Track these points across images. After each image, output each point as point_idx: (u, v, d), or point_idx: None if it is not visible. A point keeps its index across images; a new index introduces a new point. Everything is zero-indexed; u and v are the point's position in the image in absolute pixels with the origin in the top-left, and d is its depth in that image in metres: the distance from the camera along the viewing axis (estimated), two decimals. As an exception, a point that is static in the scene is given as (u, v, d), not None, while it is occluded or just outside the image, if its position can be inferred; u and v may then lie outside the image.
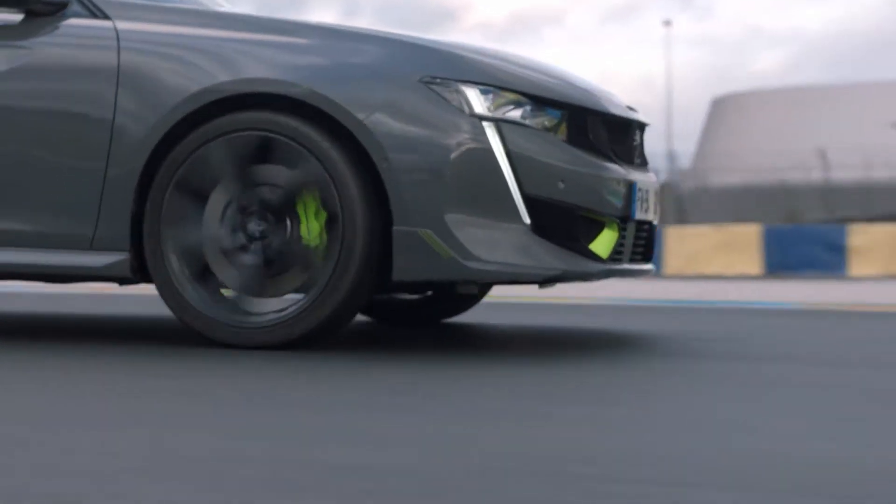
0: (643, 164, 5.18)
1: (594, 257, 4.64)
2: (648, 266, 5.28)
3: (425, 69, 4.43)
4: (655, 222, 5.30)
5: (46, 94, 4.57)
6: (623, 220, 4.77)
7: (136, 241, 4.49)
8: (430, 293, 5.89)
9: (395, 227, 4.32)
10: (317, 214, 4.39)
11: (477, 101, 4.41)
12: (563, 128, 4.61)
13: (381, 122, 4.33)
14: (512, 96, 4.50)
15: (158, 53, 4.52)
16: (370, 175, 4.34)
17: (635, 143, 5.02)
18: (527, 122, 4.50)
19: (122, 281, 4.66)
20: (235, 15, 4.76)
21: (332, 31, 4.61)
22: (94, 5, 4.63)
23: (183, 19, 4.67)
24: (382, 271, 4.39)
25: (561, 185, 4.50)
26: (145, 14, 4.66)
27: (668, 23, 77.52)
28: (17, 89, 4.59)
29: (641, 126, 5.16)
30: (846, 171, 45.02)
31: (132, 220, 4.47)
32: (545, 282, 4.63)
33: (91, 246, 4.51)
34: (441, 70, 4.44)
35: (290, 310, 4.36)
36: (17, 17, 4.67)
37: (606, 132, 4.78)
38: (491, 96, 4.46)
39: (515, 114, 4.49)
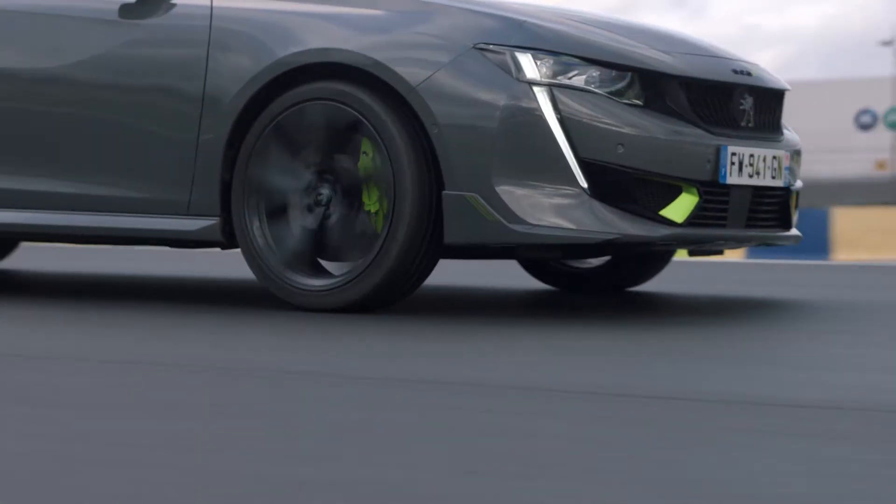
0: (762, 128, 4.99)
1: (665, 221, 4.55)
2: (784, 232, 5.12)
3: (480, 36, 4.50)
4: (795, 188, 5.14)
5: (147, 68, 4.92)
6: (709, 184, 4.65)
7: (228, 207, 4.76)
8: (608, 260, 5.83)
9: (444, 192, 4.41)
10: (376, 181, 4.54)
11: (529, 66, 4.43)
12: (631, 91, 4.55)
13: (433, 88, 4.42)
14: (569, 60, 4.50)
15: (245, 26, 4.78)
16: (424, 141, 4.45)
17: (742, 108, 4.86)
18: (584, 85, 4.48)
19: (216, 245, 4.95)
20: None
21: (392, 0, 4.74)
22: None
23: None
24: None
25: (620, 150, 4.46)
26: None
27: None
28: (120, 65, 4.96)
29: (759, 90, 4.98)
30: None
31: (223, 186, 4.75)
32: (602, 246, 4.59)
33: (188, 211, 4.83)
34: (495, 36, 4.49)
35: (344, 276, 4.53)
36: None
37: (694, 95, 4.67)
38: (546, 61, 4.46)
39: (571, 77, 4.48)
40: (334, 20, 4.70)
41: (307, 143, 4.63)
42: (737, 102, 4.85)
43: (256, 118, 4.65)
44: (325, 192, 4.60)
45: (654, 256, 5.73)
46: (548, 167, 4.41)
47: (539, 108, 4.39)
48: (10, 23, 5.18)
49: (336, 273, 4.57)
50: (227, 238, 4.76)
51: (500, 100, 4.41)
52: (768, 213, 5.02)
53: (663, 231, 4.54)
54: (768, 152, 4.92)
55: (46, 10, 5.14)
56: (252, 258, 4.66)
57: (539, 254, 5.00)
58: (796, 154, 5.21)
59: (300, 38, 4.67)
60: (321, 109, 4.57)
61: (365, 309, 4.53)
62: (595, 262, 5.84)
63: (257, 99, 4.66)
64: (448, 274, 6.12)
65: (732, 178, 4.74)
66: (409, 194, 4.42)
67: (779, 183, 4.98)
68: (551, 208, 4.41)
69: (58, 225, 5.07)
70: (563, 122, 4.40)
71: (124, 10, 4.94)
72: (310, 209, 4.62)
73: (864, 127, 58.35)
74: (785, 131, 5.23)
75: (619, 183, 4.48)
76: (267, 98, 4.65)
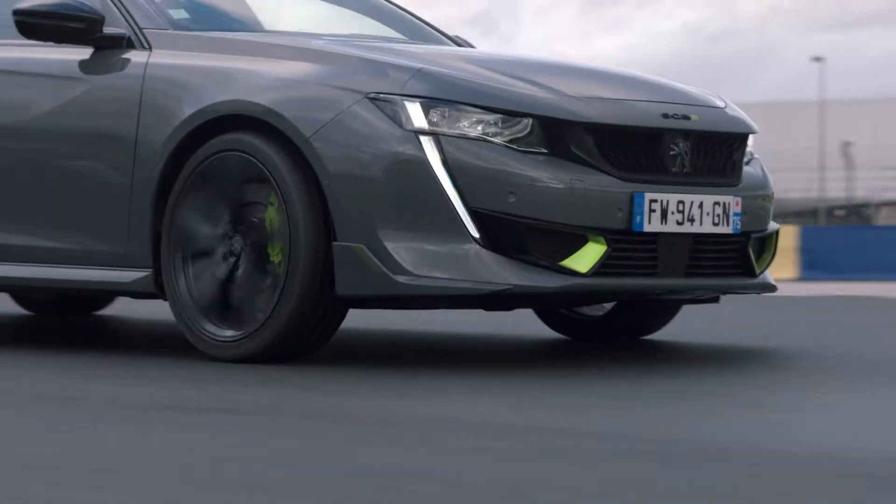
0: (704, 173, 4.78)
1: (566, 272, 4.41)
2: (746, 280, 4.91)
3: (374, 85, 4.47)
4: (761, 233, 4.93)
5: (84, 123, 5.05)
6: (621, 233, 4.48)
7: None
8: (614, 307, 5.66)
9: (334, 243, 4.39)
10: (281, 232, 4.55)
11: (418, 114, 4.39)
12: (532, 138, 4.45)
13: (325, 138, 4.42)
14: (463, 108, 4.43)
15: (172, 80, 4.87)
16: (319, 192, 4.44)
17: (673, 153, 4.67)
18: (480, 133, 4.40)
19: (150, 296, 5.03)
20: (237, 40, 5.00)
21: (295, 49, 4.76)
22: (144, 38, 5.02)
23: (205, 47, 4.96)
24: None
25: (512, 198, 4.36)
26: (181, 43, 5.01)
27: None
28: (60, 118, 5.10)
29: (699, 134, 4.77)
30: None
31: (154, 239, 4.84)
32: (494, 297, 4.47)
33: (124, 263, 4.93)
34: (388, 85, 4.47)
35: (248, 327, 4.55)
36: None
37: (605, 141, 4.52)
38: (438, 110, 4.41)
39: (464, 126, 4.41)
40: (248, 74, 4.73)
41: (224, 193, 4.67)
42: (666, 147, 4.66)
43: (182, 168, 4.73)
44: (238, 242, 4.64)
45: (661, 304, 5.53)
46: (435, 217, 4.36)
47: (425, 157, 4.34)
48: None
49: (245, 323, 4.60)
50: (160, 290, 4.84)
51: (387, 149, 4.38)
52: (719, 262, 4.80)
53: (562, 281, 4.41)
54: (708, 198, 4.70)
55: (11, 68, 5.33)
56: (173, 305, 4.73)
57: (429, 305, 4.90)
58: (762, 198, 4.97)
59: (217, 91, 4.72)
60: (234, 160, 4.62)
61: (272, 360, 4.54)
62: (600, 310, 5.67)
63: (183, 148, 4.73)
64: (447, 322, 6.07)
65: (652, 226, 4.55)
66: (302, 245, 4.41)
67: (725, 230, 4.75)
68: (439, 259, 4.35)
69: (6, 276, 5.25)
70: (450, 170, 4.34)
71: (82, 66, 5.08)
72: (224, 258, 4.66)
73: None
74: (749, 174, 4.99)
75: (511, 232, 4.38)
76: (191, 149, 4.72)
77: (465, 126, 4.41)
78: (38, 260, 5.14)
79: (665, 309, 5.55)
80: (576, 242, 4.46)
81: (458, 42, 6.10)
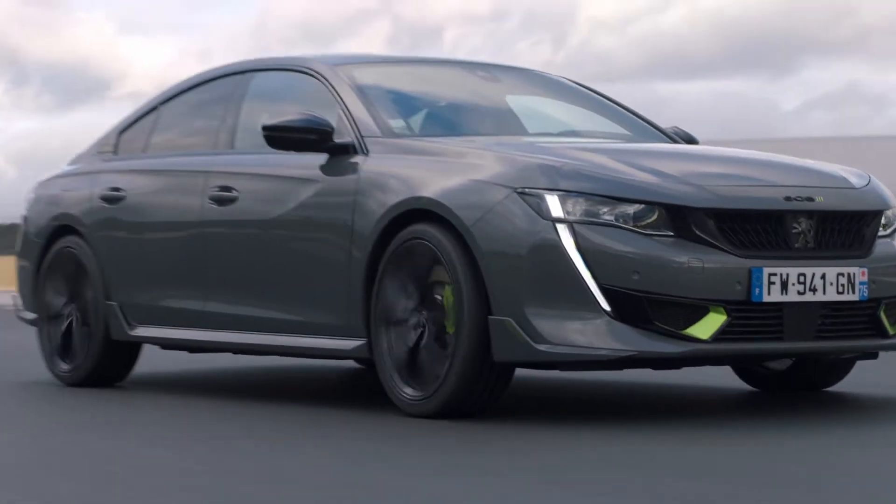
0: (830, 247, 5.33)
1: (689, 339, 5.07)
2: (879, 341, 5.46)
3: (522, 181, 5.26)
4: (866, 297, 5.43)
5: (315, 214, 6.04)
6: (741, 303, 5.10)
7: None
8: (794, 363, 6.23)
9: (490, 317, 5.21)
10: (455, 308, 5.39)
11: (556, 206, 5.14)
12: (659, 222, 5.13)
13: (482, 227, 5.25)
14: (596, 198, 5.16)
15: (380, 180, 5.79)
16: (480, 272, 5.26)
17: (796, 230, 5.24)
18: (613, 220, 5.12)
19: (366, 361, 5.95)
20: (435, 145, 5.86)
21: (474, 153, 5.63)
22: (364, 145, 5.98)
23: (410, 151, 5.87)
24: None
25: (636, 276, 5.05)
26: (393, 149, 5.94)
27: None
28: (297, 212, 6.11)
29: (823, 213, 5.33)
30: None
31: (365, 313, 5.76)
32: (621, 363, 5.15)
33: (344, 333, 5.88)
34: (532, 181, 5.24)
35: (428, 388, 5.41)
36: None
37: (725, 223, 5.15)
38: (574, 200, 5.15)
39: (598, 214, 5.13)
40: (435, 175, 5.56)
41: (414, 273, 5.55)
42: (788, 226, 5.24)
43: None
44: (424, 314, 5.51)
45: (839, 361, 6.06)
46: (571, 293, 5.09)
47: (561, 243, 5.08)
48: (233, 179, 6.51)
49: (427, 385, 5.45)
50: (372, 354, 5.76)
51: (530, 236, 5.15)
52: (848, 326, 5.33)
53: (684, 347, 5.07)
54: (831, 270, 5.24)
55: (259, 172, 6.42)
56: (379, 368, 5.64)
57: (570, 368, 5.57)
58: (893, 266, 5.45)
59: (411, 189, 5.61)
60: (420, 247, 5.50)
61: (447, 416, 5.37)
62: (781, 365, 6.24)
63: (385, 236, 5.63)
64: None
65: (772, 297, 5.13)
66: (467, 319, 5.24)
67: (852, 297, 5.28)
68: (574, 330, 5.08)
69: (230, 343, 6.43)
70: (583, 253, 5.07)
71: (316, 169, 6.10)
72: (415, 328, 5.54)
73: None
74: (884, 244, 5.49)
75: (638, 306, 5.06)
76: (391, 236, 5.63)
77: (595, 214, 5.14)
78: (270, 329, 6.20)
79: (837, 364, 6.07)
80: (697, 313, 5.10)
81: (671, 135, 6.79)
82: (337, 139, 6.02)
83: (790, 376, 6.26)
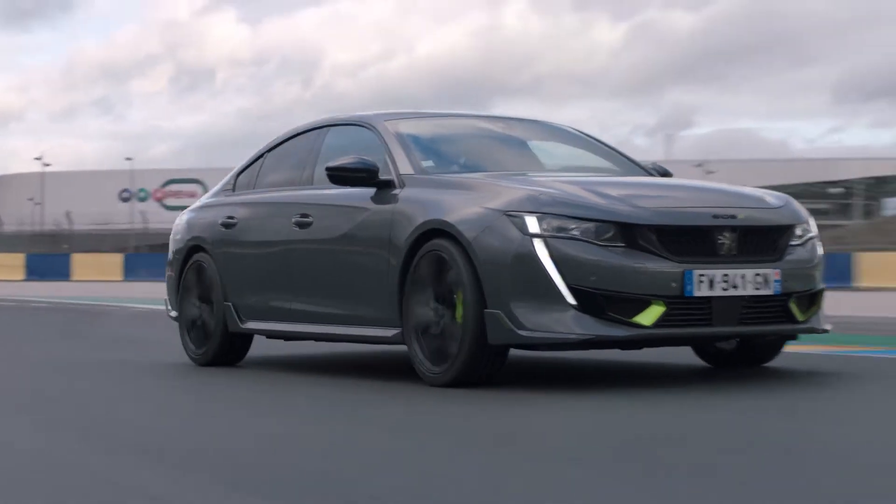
0: (750, 253, 6.90)
1: (636, 325, 6.64)
2: (789, 325, 7.10)
3: (510, 206, 6.88)
4: (802, 293, 7.07)
5: (364, 233, 7.77)
6: (676, 297, 6.66)
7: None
8: (739, 343, 7.82)
9: (485, 310, 6.83)
10: (462, 302, 7.02)
11: (534, 224, 6.75)
12: (614, 237, 6.72)
13: (480, 241, 6.87)
14: (564, 219, 6.74)
15: (410, 206, 7.45)
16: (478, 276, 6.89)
17: (721, 242, 6.80)
18: (578, 235, 6.71)
19: (398, 343, 7.60)
20: (453, 179, 7.52)
21: (481, 185, 7.28)
22: (401, 180, 7.67)
23: (434, 185, 7.52)
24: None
25: (593, 278, 6.64)
26: (421, 183, 7.59)
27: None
28: (351, 231, 7.86)
29: (744, 228, 6.89)
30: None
31: (399, 306, 7.43)
32: (584, 344, 6.73)
33: (383, 323, 7.57)
34: (518, 206, 6.86)
35: (446, 364, 7.05)
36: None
37: (665, 236, 6.73)
38: (547, 220, 6.75)
39: (566, 230, 6.72)
40: (448, 202, 7.22)
41: (434, 278, 7.20)
42: (714, 238, 6.80)
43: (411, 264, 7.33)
44: (441, 309, 7.14)
45: (772, 342, 7.68)
46: (545, 291, 6.69)
47: (536, 253, 6.69)
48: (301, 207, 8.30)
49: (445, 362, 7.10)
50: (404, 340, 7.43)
51: (514, 248, 6.76)
52: (765, 314, 6.90)
53: (632, 332, 6.65)
54: (750, 271, 6.80)
55: (326, 202, 8.18)
56: (410, 351, 7.30)
57: (546, 349, 7.16)
58: (805, 269, 7.01)
59: (431, 213, 7.26)
60: (437, 257, 7.15)
61: (463, 384, 6.98)
62: (729, 346, 7.84)
63: (413, 249, 7.30)
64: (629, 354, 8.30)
65: (701, 292, 6.70)
66: (471, 311, 6.86)
67: (767, 292, 6.83)
68: (548, 319, 6.68)
69: (310, 332, 8.16)
70: (555, 261, 6.67)
71: (367, 198, 7.81)
72: (435, 320, 7.17)
73: (125, 200, 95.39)
74: (796, 250, 7.04)
75: (596, 300, 6.65)
76: (417, 249, 7.29)
77: (565, 230, 6.72)
78: (334, 322, 7.95)
79: (771, 344, 7.72)
80: (642, 305, 6.68)
81: (648, 170, 8.64)
82: (382, 176, 7.78)
83: (736, 354, 7.89)
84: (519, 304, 6.76)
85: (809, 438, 5.25)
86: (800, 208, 7.41)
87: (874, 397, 6.78)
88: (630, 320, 6.69)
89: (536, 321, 6.72)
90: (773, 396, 6.62)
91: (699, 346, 7.97)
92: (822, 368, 8.11)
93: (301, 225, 8.36)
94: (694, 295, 6.72)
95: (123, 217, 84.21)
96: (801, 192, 64.28)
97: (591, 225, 6.76)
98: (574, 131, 9.10)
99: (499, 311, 6.79)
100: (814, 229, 7.45)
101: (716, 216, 6.90)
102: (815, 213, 8.10)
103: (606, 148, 8.92)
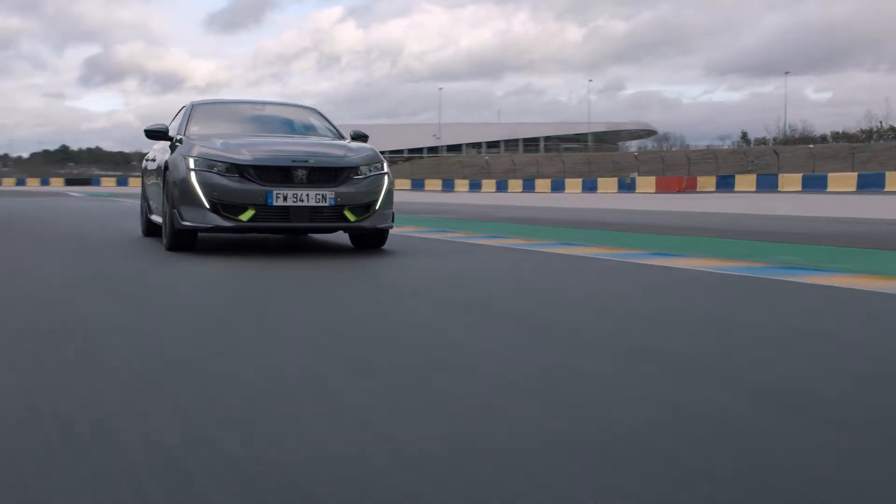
0: (315, 182, 11.70)
1: (239, 221, 11.62)
2: (342, 223, 11.87)
3: (187, 153, 11.98)
4: (361, 202, 11.81)
5: (154, 168, 12.99)
6: (263, 205, 11.59)
7: None
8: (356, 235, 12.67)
9: (171, 209, 11.97)
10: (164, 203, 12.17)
11: (192, 163, 11.80)
12: (232, 171, 11.68)
13: (170, 170, 12.07)
14: (206, 161, 11.77)
15: (174, 153, 12.66)
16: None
17: (297, 175, 11.63)
18: (213, 170, 11.71)
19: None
20: (188, 140, 12.65)
21: (188, 141, 12.38)
22: (177, 139, 12.88)
23: (186, 142, 12.65)
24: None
25: (215, 194, 11.66)
26: (183, 141, 12.70)
27: None
28: (160, 166, 13.03)
29: (311, 168, 11.70)
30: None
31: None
32: (213, 229, 11.73)
33: None
34: (187, 153, 11.96)
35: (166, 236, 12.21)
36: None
37: (260, 172, 11.64)
38: (197, 160, 11.79)
39: (207, 167, 11.73)
40: (177, 149, 12.46)
41: (164, 188, 12.36)
42: (293, 173, 11.65)
43: None
44: (166, 206, 12.32)
45: (373, 234, 12.51)
46: (194, 200, 11.75)
47: (191, 178, 11.76)
48: None
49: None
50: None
51: (181, 175, 11.87)
52: (326, 216, 11.73)
53: (235, 224, 11.62)
54: (313, 192, 11.63)
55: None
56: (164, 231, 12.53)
57: (210, 231, 12.13)
58: (355, 192, 11.79)
59: (169, 156, 12.45)
60: (166, 177, 12.34)
61: (176, 249, 12.10)
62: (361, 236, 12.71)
63: (165, 172, 12.50)
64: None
65: (279, 202, 11.58)
66: (167, 209, 12.07)
67: (324, 204, 11.65)
68: (196, 215, 11.74)
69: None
70: (200, 183, 11.72)
71: None
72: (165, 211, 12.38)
73: None
74: (355, 181, 11.84)
75: (219, 206, 11.65)
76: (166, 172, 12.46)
77: (208, 167, 11.70)
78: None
79: (375, 236, 12.52)
80: (242, 209, 11.61)
81: (343, 134, 13.68)
82: (171, 135, 13.14)
83: (362, 239, 12.73)
84: (182, 207, 11.81)
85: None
86: (374, 158, 12.19)
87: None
88: (236, 218, 11.62)
89: (190, 216, 11.75)
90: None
91: (270, 233, 12.48)
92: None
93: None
94: (275, 204, 11.58)
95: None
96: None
97: (221, 165, 11.71)
98: (310, 109, 14.34)
99: (175, 210, 11.88)
100: (385, 170, 12.14)
101: (294, 160, 11.72)
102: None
103: (322, 118, 13.99)
